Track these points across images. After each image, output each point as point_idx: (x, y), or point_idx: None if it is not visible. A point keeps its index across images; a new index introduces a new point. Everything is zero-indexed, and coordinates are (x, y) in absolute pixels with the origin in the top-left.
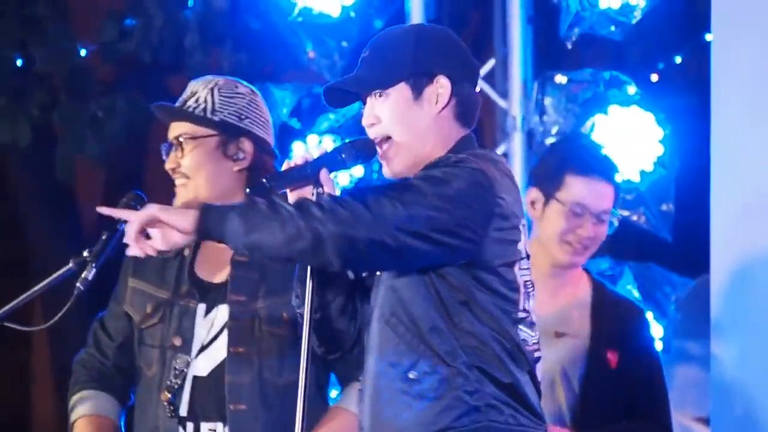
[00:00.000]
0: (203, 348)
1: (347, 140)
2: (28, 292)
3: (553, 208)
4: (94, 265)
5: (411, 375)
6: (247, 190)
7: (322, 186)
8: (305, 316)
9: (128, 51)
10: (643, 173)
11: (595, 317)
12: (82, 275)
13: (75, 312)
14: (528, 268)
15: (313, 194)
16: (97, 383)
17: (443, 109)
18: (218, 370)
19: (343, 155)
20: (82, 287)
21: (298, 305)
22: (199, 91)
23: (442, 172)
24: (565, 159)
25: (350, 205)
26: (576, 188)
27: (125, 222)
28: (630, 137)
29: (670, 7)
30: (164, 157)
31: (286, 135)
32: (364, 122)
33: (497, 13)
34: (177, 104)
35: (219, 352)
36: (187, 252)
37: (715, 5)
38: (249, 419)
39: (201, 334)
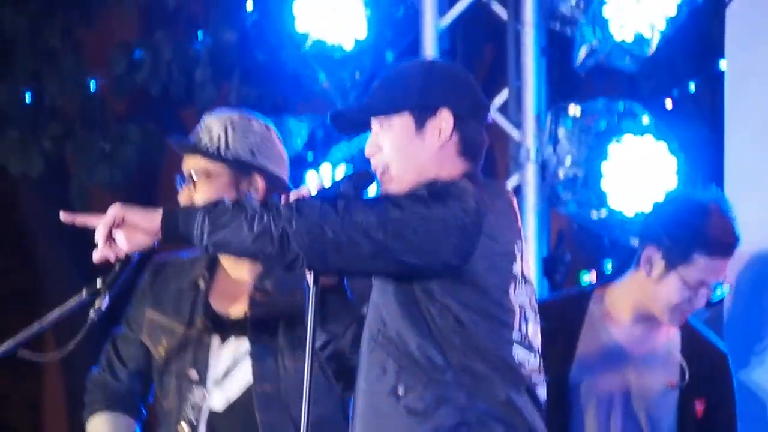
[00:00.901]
0: (218, 382)
1: (345, 174)
2: (41, 323)
3: (674, 279)
4: (107, 294)
5: (399, 392)
6: None
7: None
8: (307, 346)
9: (138, 84)
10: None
11: (686, 360)
12: (96, 305)
13: (88, 341)
14: (525, 293)
15: None
16: (113, 403)
17: (445, 143)
18: (235, 406)
19: (342, 189)
20: (95, 317)
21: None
22: (213, 126)
23: (426, 190)
24: (696, 237)
25: (318, 206)
26: (702, 267)
27: (137, 253)
28: (643, 167)
29: (684, 37)
30: (178, 188)
31: (300, 165)
32: (367, 151)
33: (511, 44)
34: (192, 139)
35: (233, 386)
36: (202, 284)
37: (729, 35)
38: None
39: (214, 367)
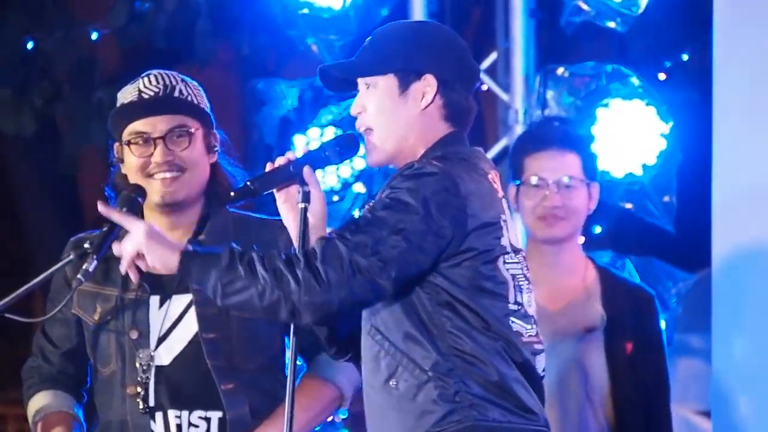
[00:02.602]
0: (162, 338)
1: (331, 138)
2: (29, 284)
3: (522, 193)
4: (95, 256)
5: (391, 383)
6: (232, 193)
7: (307, 184)
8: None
9: (141, 35)
10: (645, 166)
11: (606, 306)
12: (83, 267)
13: None
14: (518, 262)
15: (299, 192)
16: (50, 383)
17: (428, 107)
18: (179, 359)
19: (327, 153)
20: (83, 279)
21: None
22: (173, 83)
23: (407, 189)
24: (521, 145)
25: (324, 272)
26: (534, 164)
27: (126, 212)
28: (632, 130)
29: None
30: (132, 155)
31: (288, 127)
32: (352, 111)
33: (499, 6)
34: (158, 95)
35: (178, 341)
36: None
37: (717, 1)
38: (241, 395)
39: (156, 325)
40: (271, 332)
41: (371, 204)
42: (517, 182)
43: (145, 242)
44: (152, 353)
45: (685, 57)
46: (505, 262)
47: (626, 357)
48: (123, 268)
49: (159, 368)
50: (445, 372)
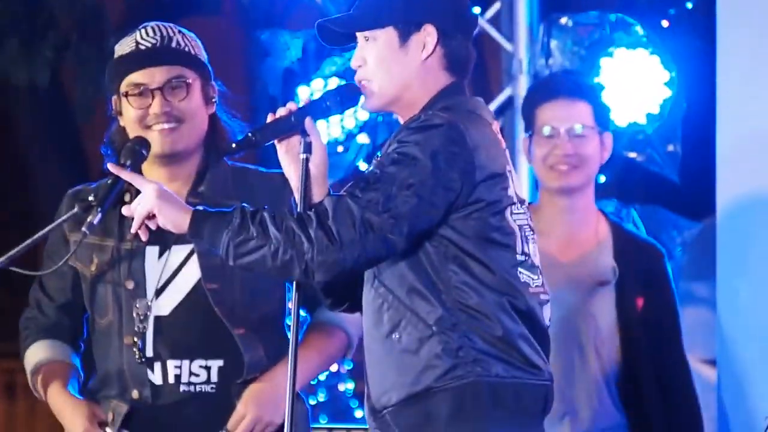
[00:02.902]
0: (161, 289)
1: (332, 88)
2: (34, 237)
3: (533, 143)
4: (99, 209)
5: (394, 336)
6: (233, 144)
7: (308, 135)
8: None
9: None
10: (649, 115)
11: (618, 260)
12: (88, 219)
13: None
14: (523, 213)
15: (300, 143)
16: (46, 333)
17: (428, 57)
18: (180, 309)
19: (328, 103)
20: (87, 231)
21: None
22: (171, 34)
23: (414, 142)
24: (532, 96)
25: (336, 231)
26: (544, 115)
27: (129, 167)
28: (636, 80)
29: None
30: (130, 107)
31: (292, 79)
32: (352, 63)
33: None
34: (155, 47)
35: (178, 292)
36: (128, 198)
37: None
38: (252, 340)
39: (154, 276)
40: (269, 284)
41: (378, 159)
42: (529, 133)
43: (157, 203)
44: (149, 303)
45: (689, 5)
46: (512, 213)
47: (637, 312)
48: (134, 227)
49: (158, 318)
50: (449, 326)
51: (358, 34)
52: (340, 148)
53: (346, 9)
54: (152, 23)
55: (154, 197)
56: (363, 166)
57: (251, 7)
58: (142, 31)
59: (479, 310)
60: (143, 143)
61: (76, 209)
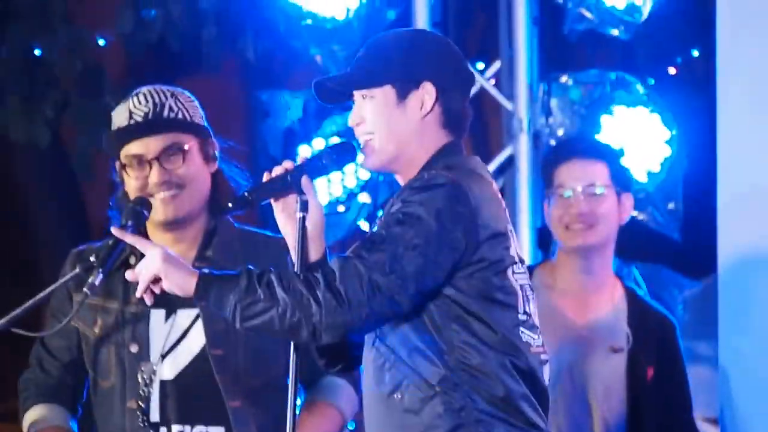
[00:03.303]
0: (166, 353)
1: (328, 146)
2: (35, 298)
3: (551, 204)
4: (100, 270)
5: (396, 396)
6: (229, 204)
7: (304, 193)
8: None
9: (148, 41)
10: (650, 174)
11: (632, 328)
12: (89, 280)
13: None
14: (524, 272)
15: (297, 201)
16: (46, 397)
17: (427, 115)
18: (184, 374)
19: (324, 161)
20: (89, 292)
21: None
22: (162, 100)
23: (418, 202)
24: (549, 157)
25: (344, 293)
26: (561, 175)
27: (130, 228)
28: (637, 138)
29: (677, 6)
30: (115, 178)
31: (293, 138)
32: (350, 121)
33: (503, 14)
34: (147, 117)
35: (183, 356)
36: (133, 261)
37: (720, 6)
38: (247, 415)
39: (159, 339)
40: (275, 350)
41: (382, 219)
42: (547, 194)
43: (162, 266)
44: (154, 367)
45: (694, 53)
46: (513, 272)
47: (648, 382)
48: (139, 291)
49: (163, 382)
50: (451, 387)
51: (355, 92)
52: (341, 208)
53: (343, 65)
54: (145, 89)
55: (160, 261)
56: (364, 225)
57: (251, 66)
58: (135, 99)
59: (482, 370)
60: (144, 203)
61: (77, 270)
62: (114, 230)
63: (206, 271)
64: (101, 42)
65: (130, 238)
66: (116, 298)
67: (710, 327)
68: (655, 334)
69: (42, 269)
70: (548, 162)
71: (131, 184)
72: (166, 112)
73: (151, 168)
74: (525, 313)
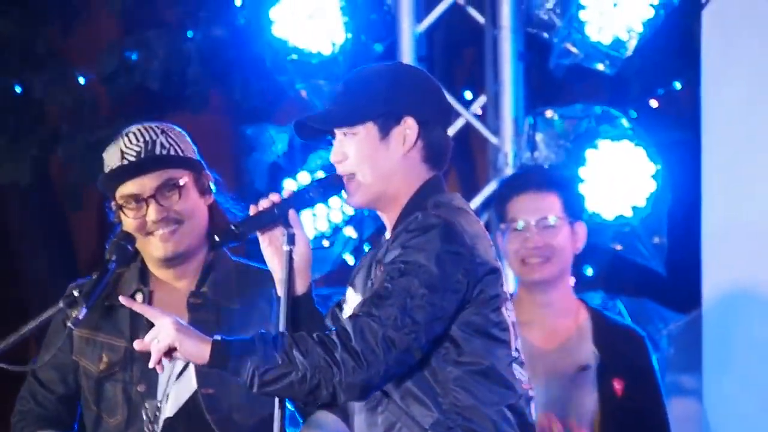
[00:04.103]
0: (167, 392)
1: (314, 179)
2: (19, 332)
3: (506, 238)
4: (84, 304)
5: (383, 416)
6: (216, 238)
7: (291, 226)
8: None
9: (133, 82)
10: (635, 208)
11: (598, 345)
12: (73, 314)
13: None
14: (512, 309)
15: (283, 234)
16: (43, 424)
17: (410, 150)
18: (184, 409)
19: (311, 194)
20: (72, 326)
21: None
22: (154, 138)
23: (417, 248)
24: (502, 191)
25: (361, 352)
26: (514, 208)
27: (114, 263)
28: (622, 172)
29: (663, 42)
30: (111, 218)
31: (278, 173)
32: (332, 158)
33: (488, 49)
34: (140, 156)
35: (181, 393)
36: (139, 297)
37: (705, 38)
38: None
39: (164, 377)
40: None
41: (384, 270)
42: (501, 228)
43: (177, 336)
44: (159, 405)
45: (677, 84)
46: (506, 309)
47: (618, 397)
48: (152, 362)
49: (166, 420)
50: (445, 429)
51: (336, 129)
52: (326, 242)
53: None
54: (134, 128)
55: (173, 331)
56: (349, 259)
57: (237, 102)
58: (125, 139)
59: (475, 411)
60: (128, 239)
61: (61, 304)
62: (122, 299)
63: (218, 338)
64: (81, 80)
65: (139, 307)
66: (123, 336)
67: (695, 360)
68: (622, 348)
69: (31, 304)
70: (501, 196)
71: (129, 224)
72: (158, 150)
73: (148, 206)
74: (516, 349)
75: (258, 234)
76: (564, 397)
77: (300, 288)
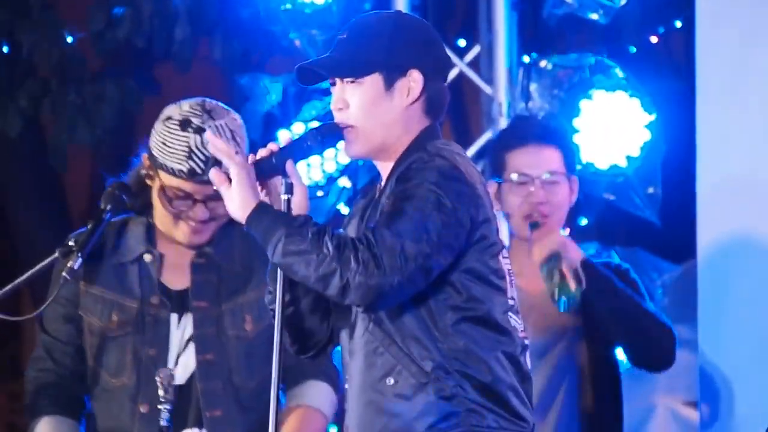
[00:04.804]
0: (178, 358)
1: (311, 128)
2: (14, 282)
3: (505, 190)
4: (79, 254)
5: (388, 381)
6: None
7: (289, 176)
8: (276, 314)
9: (119, 39)
10: (629, 158)
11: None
12: (68, 264)
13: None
14: (507, 257)
15: (281, 183)
16: (58, 407)
17: (413, 102)
18: (192, 378)
19: (309, 143)
20: (68, 276)
21: (270, 302)
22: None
23: (425, 181)
24: (500, 142)
25: (381, 258)
26: (515, 161)
27: (109, 213)
28: (616, 122)
29: None
30: (176, 212)
31: (272, 123)
32: (333, 106)
33: None
34: (208, 166)
35: (191, 359)
36: (148, 258)
37: None
38: (226, 424)
39: (175, 344)
40: (267, 350)
41: (391, 198)
42: (498, 180)
43: (239, 174)
44: (172, 373)
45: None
46: (503, 256)
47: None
48: (210, 171)
49: (175, 387)
50: (443, 374)
51: (339, 78)
52: (320, 192)
53: (323, 50)
54: (208, 121)
55: (240, 170)
56: (344, 209)
57: (230, 52)
58: (196, 138)
59: (472, 355)
60: (121, 187)
61: (56, 254)
62: (209, 135)
63: (268, 202)
64: (69, 39)
65: (217, 145)
66: (135, 297)
67: (690, 311)
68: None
69: (21, 255)
70: (499, 146)
71: (165, 206)
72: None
73: (194, 205)
74: (511, 297)
75: (256, 184)
76: (554, 339)
77: None
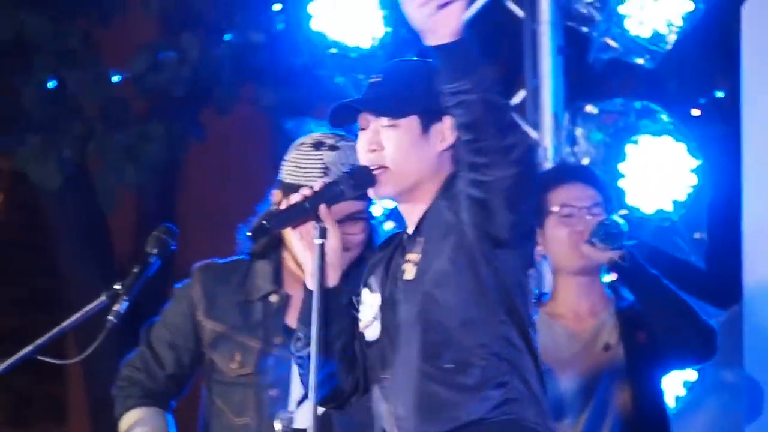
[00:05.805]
0: (301, 400)
1: (343, 171)
2: (61, 326)
3: (550, 225)
4: (126, 297)
5: (447, 366)
6: (248, 233)
7: (322, 221)
8: (312, 361)
9: (161, 84)
10: (675, 203)
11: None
12: (114, 308)
13: (108, 345)
14: None
15: (315, 228)
16: (149, 400)
17: (446, 149)
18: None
19: (342, 187)
20: (114, 320)
21: (298, 348)
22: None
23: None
24: (544, 183)
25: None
26: (559, 197)
27: (156, 258)
28: (662, 167)
29: (702, 36)
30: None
31: None
32: (366, 147)
33: (527, 44)
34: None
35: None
36: (275, 298)
37: (745, 36)
38: None
39: (296, 386)
40: None
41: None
42: (540, 220)
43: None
44: (293, 417)
45: (719, 94)
46: (530, 276)
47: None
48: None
49: (295, 431)
50: (498, 361)
51: (374, 118)
52: None
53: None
54: (342, 144)
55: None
56: None
57: (276, 96)
58: (331, 155)
59: (518, 347)
60: (168, 231)
61: (103, 298)
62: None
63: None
64: (115, 78)
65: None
66: (257, 337)
67: (735, 356)
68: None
69: (68, 298)
70: (542, 187)
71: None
72: None
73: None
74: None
75: (289, 229)
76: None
77: (332, 280)
